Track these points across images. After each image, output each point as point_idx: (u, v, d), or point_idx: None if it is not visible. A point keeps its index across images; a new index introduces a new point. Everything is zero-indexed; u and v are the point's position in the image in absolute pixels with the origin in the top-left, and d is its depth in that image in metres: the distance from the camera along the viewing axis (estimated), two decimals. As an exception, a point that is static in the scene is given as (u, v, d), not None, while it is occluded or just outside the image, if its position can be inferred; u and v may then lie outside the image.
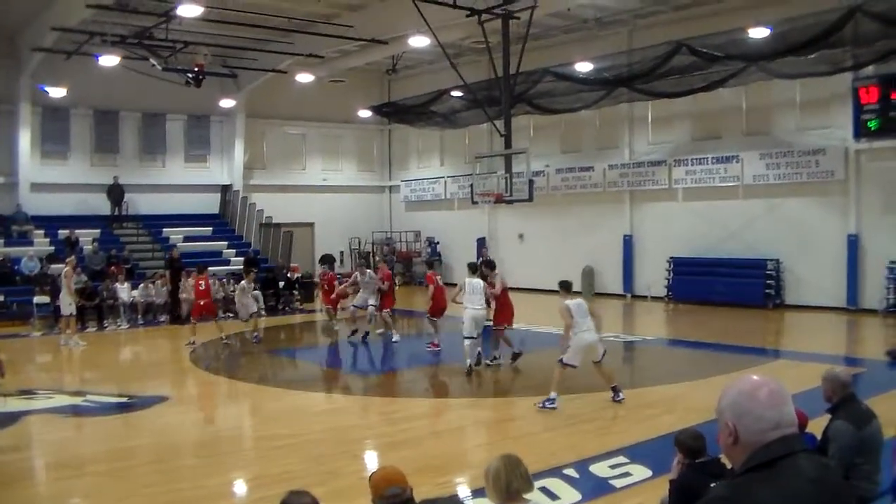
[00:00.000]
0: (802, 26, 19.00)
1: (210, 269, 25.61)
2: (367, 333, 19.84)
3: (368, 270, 20.81)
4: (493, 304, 16.31)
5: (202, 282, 20.14)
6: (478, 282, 15.49)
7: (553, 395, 12.28)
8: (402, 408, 13.14)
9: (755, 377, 2.76)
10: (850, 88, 21.91)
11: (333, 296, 21.65)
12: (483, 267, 17.03)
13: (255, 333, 20.44)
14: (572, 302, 12.68)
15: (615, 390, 12.61)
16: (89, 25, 23.36)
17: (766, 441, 2.62)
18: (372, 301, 19.74)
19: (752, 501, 2.52)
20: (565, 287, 13.30)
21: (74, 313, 20.49)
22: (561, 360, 12.51)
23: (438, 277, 19.21)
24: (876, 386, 12.22)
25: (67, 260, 21.78)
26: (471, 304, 15.19)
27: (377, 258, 32.42)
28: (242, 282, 21.31)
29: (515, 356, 16.30)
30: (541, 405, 12.16)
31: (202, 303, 20.13)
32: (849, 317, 22.29)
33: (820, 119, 23.35)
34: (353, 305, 20.27)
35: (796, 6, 20.13)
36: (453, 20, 22.60)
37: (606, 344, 18.98)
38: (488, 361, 16.14)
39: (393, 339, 19.50)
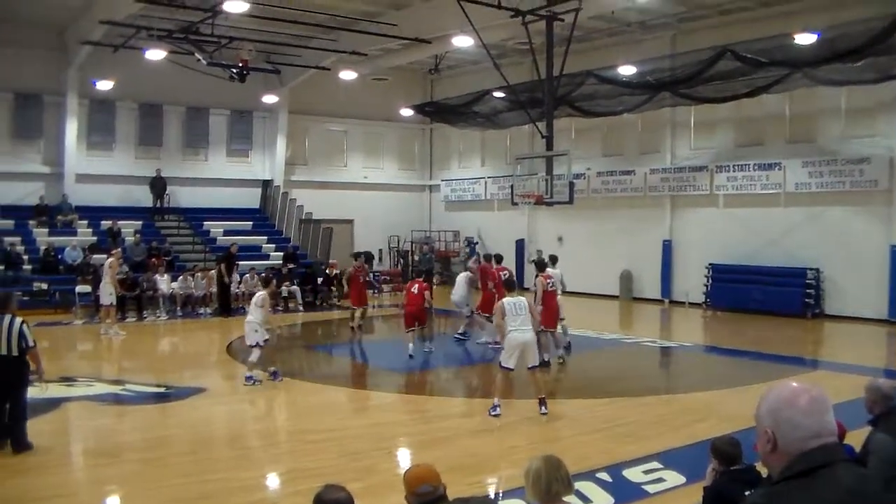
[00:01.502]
0: (850, 33, 18.75)
1: (248, 263, 26.03)
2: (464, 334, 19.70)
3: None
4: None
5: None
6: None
7: (496, 401, 12.09)
8: (438, 406, 13.18)
9: (795, 384, 2.72)
10: (898, 97, 21.68)
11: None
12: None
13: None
14: (508, 300, 12.41)
15: (541, 402, 12.12)
16: (137, 20, 23.72)
17: (806, 449, 2.60)
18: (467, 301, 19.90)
19: None
20: (508, 286, 13.33)
21: (115, 303, 20.77)
22: (500, 364, 12.38)
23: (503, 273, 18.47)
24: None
25: (113, 251, 22.12)
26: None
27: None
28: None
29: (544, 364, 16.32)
30: (489, 412, 12.00)
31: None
32: (890, 329, 21.97)
33: (865, 127, 23.09)
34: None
35: (844, 13, 19.94)
36: (497, 21, 22.58)
37: (643, 349, 19.19)
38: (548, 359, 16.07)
39: (479, 341, 18.94)
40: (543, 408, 12.08)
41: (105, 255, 24.03)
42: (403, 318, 17.92)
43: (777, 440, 2.63)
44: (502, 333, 12.38)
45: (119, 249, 22.84)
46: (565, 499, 5.07)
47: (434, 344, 18.69)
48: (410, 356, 16.91)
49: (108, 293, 20.50)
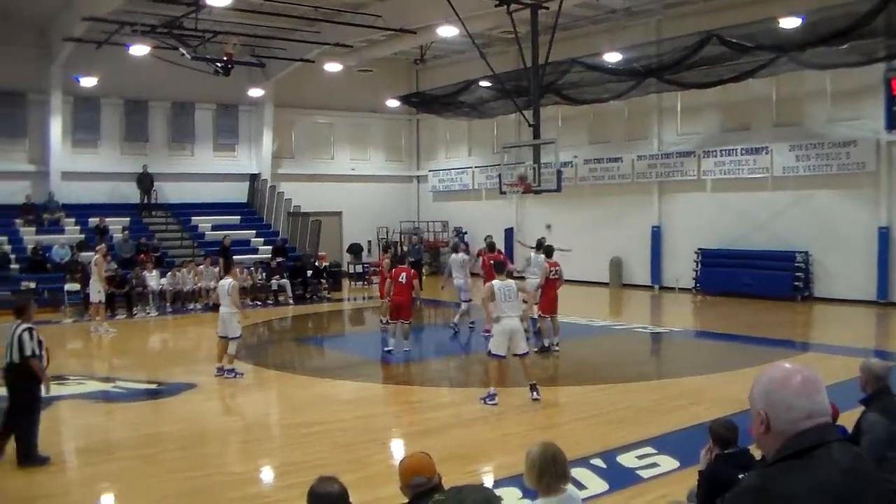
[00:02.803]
0: (834, 16, 18.74)
1: (238, 258, 25.93)
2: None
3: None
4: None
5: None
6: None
7: (491, 390, 12.06)
8: (430, 396, 13.16)
9: (788, 365, 2.71)
10: (883, 79, 21.67)
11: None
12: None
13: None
14: (498, 284, 12.32)
15: (532, 388, 12.18)
16: (120, 15, 23.60)
17: (799, 430, 2.59)
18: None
19: (783, 491, 2.49)
20: (497, 269, 13.06)
21: (103, 300, 20.73)
22: (489, 352, 12.33)
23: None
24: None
25: (98, 248, 22.03)
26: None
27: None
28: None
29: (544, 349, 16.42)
30: (482, 401, 11.99)
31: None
32: (878, 310, 22.08)
33: (851, 110, 23.12)
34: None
35: (828, -4, 19.97)
36: (482, 10, 22.58)
37: (634, 335, 19.23)
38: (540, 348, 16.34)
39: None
40: (535, 394, 12.10)
41: (92, 253, 24.05)
42: (389, 308, 17.38)
43: (770, 421, 2.62)
44: (489, 314, 12.33)
45: (104, 245, 22.70)
46: (562, 487, 5.08)
47: (412, 342, 17.44)
48: (388, 351, 16.74)
49: (96, 290, 20.47)
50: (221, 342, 14.63)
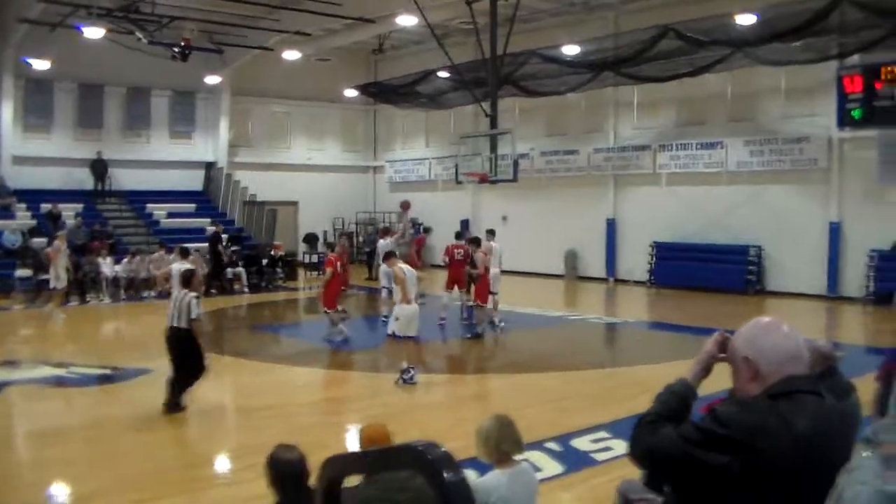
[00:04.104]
0: (789, 13, 19.03)
1: (192, 245, 25.72)
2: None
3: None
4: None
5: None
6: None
7: (406, 365, 12.42)
8: (384, 382, 13.15)
9: (767, 318, 2.89)
10: (835, 77, 21.99)
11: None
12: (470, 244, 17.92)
13: None
14: (408, 269, 12.89)
15: (408, 370, 12.55)
16: (75, -3, 23.24)
17: (786, 373, 2.67)
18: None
19: (767, 419, 2.60)
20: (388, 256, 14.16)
21: (61, 287, 20.43)
22: (394, 334, 12.62)
23: (458, 251, 18.43)
24: (855, 368, 12.33)
25: (58, 234, 21.80)
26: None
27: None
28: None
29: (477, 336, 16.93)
30: (403, 379, 12.40)
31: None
32: (828, 304, 22.46)
33: (804, 107, 23.45)
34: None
35: (784, -7, 20.21)
36: (441, 0, 22.61)
37: (588, 325, 19.41)
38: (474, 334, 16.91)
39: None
40: (410, 376, 12.41)
41: (45, 239, 23.86)
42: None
43: (759, 365, 2.70)
44: (406, 297, 12.55)
45: (64, 231, 22.55)
46: (515, 457, 5.15)
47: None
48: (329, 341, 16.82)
49: (55, 277, 20.19)
50: None
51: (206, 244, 26.21)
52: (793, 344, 2.73)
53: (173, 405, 10.69)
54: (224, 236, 27.78)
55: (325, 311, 17.06)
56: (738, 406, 2.70)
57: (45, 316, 19.87)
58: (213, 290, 24.39)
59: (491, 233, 19.60)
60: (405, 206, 21.58)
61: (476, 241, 18.03)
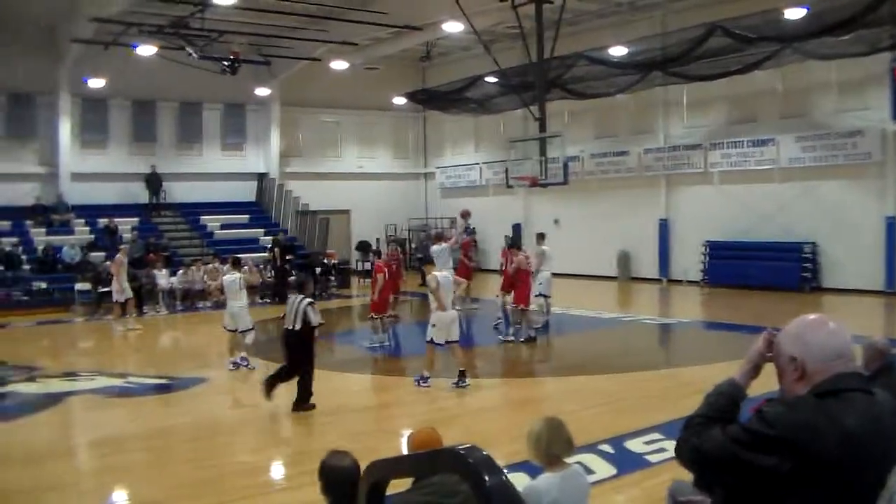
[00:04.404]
0: (839, 6, 18.71)
1: (247, 256, 26.03)
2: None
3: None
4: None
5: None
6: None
7: (426, 373, 12.67)
8: (439, 387, 13.21)
9: (813, 315, 2.83)
10: (888, 69, 21.66)
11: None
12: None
13: None
14: (441, 275, 13.02)
15: (462, 375, 12.66)
16: (126, 16, 23.68)
17: (833, 371, 2.66)
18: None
19: (815, 418, 2.57)
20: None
21: (124, 299, 20.68)
22: (432, 341, 12.82)
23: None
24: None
25: (120, 247, 22.23)
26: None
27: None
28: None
29: (530, 339, 16.88)
30: (416, 383, 12.75)
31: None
32: (886, 300, 22.07)
33: (857, 100, 23.11)
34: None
35: (833, -14, 19.93)
36: (487, 5, 22.69)
37: (642, 326, 19.28)
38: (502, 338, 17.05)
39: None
40: (465, 381, 12.56)
41: (103, 254, 24.36)
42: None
43: (805, 364, 2.69)
44: (442, 304, 12.73)
45: (127, 246, 23.05)
46: (567, 459, 5.16)
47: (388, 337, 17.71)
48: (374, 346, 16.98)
49: (118, 290, 20.50)
50: (231, 336, 14.89)
51: (270, 252, 26.73)
52: (840, 341, 2.71)
53: (303, 403, 11.46)
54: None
55: (372, 317, 17.20)
56: (785, 406, 2.68)
57: (124, 330, 20.24)
58: (200, 305, 24.83)
59: (541, 236, 19.57)
60: (465, 214, 21.51)
61: (517, 246, 18.28)
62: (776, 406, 2.69)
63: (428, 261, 20.06)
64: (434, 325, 12.81)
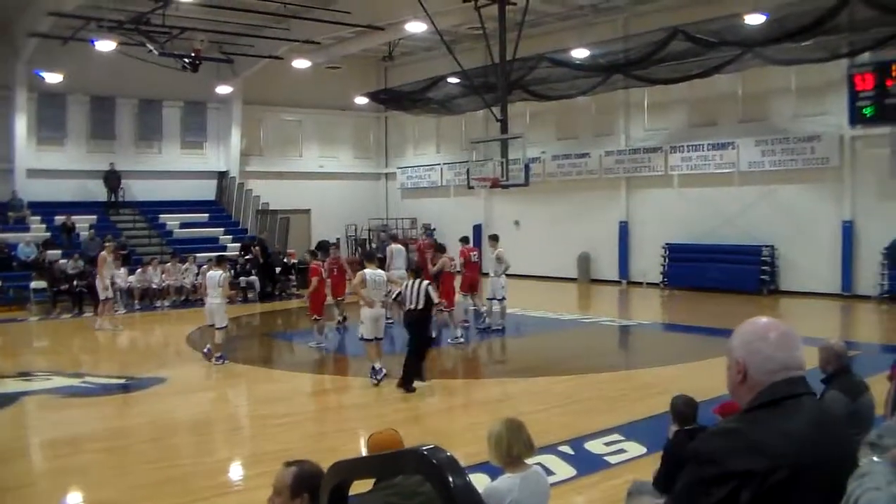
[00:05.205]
0: (798, 12, 18.92)
1: (205, 255, 25.83)
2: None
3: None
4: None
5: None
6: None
7: (376, 366, 12.91)
8: (394, 388, 13.17)
9: (767, 319, 2.82)
10: (846, 75, 21.90)
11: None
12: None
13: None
14: (369, 272, 13.18)
15: (373, 371, 13.01)
16: (86, 11, 23.32)
17: (774, 381, 2.68)
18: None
19: (753, 434, 2.57)
20: (367, 257, 14.54)
21: (109, 297, 20.62)
22: (362, 338, 13.12)
23: (473, 254, 19.17)
24: (870, 367, 12.28)
25: (105, 245, 21.89)
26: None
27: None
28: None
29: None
30: (371, 377, 12.90)
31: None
32: (843, 302, 22.37)
33: (815, 106, 23.39)
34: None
35: (792, -7, 20.15)
36: (450, 6, 22.71)
37: (602, 328, 19.37)
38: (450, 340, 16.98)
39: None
40: (375, 376, 12.86)
41: (60, 251, 24.07)
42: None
43: (748, 370, 2.71)
44: (366, 301, 12.87)
45: (112, 243, 22.65)
46: (527, 461, 5.15)
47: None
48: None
49: (102, 287, 20.24)
50: (211, 331, 15.34)
51: (245, 252, 26.78)
52: (783, 355, 2.71)
53: (408, 383, 12.20)
54: (236, 245, 27.92)
55: (315, 319, 17.14)
56: (721, 436, 2.69)
57: (105, 330, 20.03)
58: (158, 304, 24.72)
59: (494, 238, 19.32)
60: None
61: (441, 248, 18.65)
62: (711, 440, 2.68)
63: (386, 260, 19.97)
64: (362, 322, 13.04)
